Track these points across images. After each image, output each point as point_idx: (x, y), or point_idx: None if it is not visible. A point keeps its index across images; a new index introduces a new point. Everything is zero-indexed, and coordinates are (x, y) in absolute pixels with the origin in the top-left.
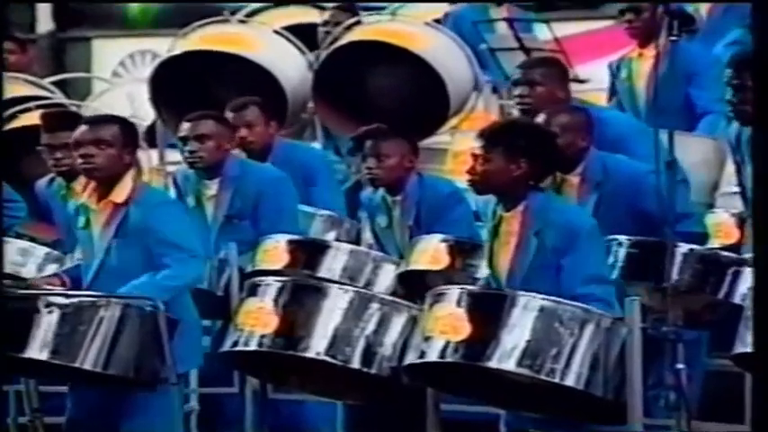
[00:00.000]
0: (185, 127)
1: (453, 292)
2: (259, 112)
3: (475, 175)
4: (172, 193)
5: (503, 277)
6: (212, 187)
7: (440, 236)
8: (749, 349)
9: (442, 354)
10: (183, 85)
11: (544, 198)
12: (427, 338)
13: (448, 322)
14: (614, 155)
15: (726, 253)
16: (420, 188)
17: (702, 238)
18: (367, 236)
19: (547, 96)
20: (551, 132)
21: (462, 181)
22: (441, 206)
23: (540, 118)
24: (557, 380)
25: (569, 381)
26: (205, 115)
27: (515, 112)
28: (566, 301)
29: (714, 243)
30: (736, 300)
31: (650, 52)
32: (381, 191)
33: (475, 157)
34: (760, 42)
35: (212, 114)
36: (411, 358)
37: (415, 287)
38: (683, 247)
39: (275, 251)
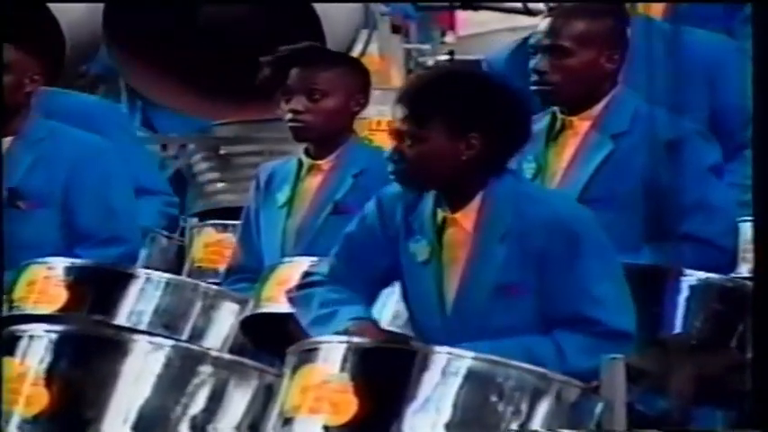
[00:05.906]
0: None
1: (332, 346)
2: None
3: (402, 161)
4: None
5: (447, 312)
6: None
7: (310, 259)
8: None
9: None
10: None
11: (512, 183)
12: (288, 421)
13: (323, 395)
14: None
15: None
16: (368, 157)
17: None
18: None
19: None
20: (514, 88)
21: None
22: None
23: (544, 24)
24: None
25: None
26: None
27: (430, 62)
28: (511, 362)
29: (741, 268)
30: None
31: None
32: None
33: (398, 134)
34: (760, 42)
35: None
36: None
37: (272, 339)
38: (693, 277)
39: (46, 283)
